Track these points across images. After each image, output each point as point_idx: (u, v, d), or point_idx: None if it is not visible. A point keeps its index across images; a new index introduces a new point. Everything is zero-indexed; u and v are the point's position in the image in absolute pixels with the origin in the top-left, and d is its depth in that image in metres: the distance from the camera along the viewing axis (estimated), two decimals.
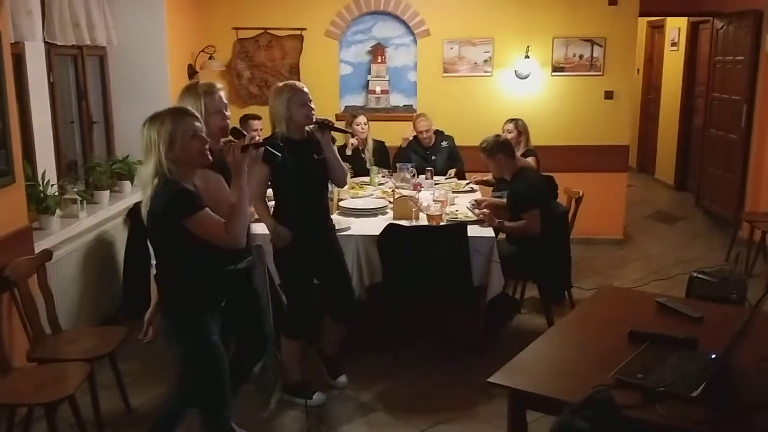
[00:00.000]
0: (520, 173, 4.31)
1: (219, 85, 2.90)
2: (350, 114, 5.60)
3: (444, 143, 5.72)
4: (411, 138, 5.76)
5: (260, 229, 3.58)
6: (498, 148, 4.31)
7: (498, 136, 4.51)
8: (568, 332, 2.67)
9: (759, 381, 2.18)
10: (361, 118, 5.54)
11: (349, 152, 5.48)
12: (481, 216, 4.15)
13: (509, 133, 5.23)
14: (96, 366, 3.22)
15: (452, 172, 5.54)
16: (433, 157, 5.65)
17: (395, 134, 5.89)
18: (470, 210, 4.41)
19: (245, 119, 5.27)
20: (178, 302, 2.47)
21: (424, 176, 5.25)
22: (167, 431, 2.80)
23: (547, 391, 2.11)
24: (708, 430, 1.91)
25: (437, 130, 5.74)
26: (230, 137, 2.83)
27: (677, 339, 2.39)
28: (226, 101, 2.90)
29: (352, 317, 3.67)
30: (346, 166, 5.31)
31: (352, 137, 5.46)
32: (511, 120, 5.35)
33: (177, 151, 2.33)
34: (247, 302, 2.94)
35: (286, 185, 3.31)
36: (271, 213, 3.45)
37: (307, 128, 3.39)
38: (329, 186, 3.85)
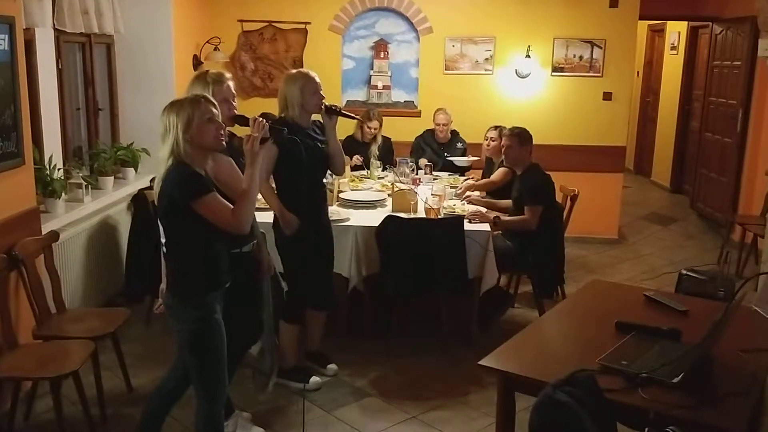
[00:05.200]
0: (532, 168, 4.40)
1: (228, 75, 2.99)
2: (365, 112, 5.64)
3: (459, 144, 5.76)
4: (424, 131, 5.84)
5: (264, 217, 3.67)
6: (528, 139, 4.39)
7: (527, 129, 4.54)
8: (557, 321, 2.77)
9: (737, 371, 2.28)
10: (374, 123, 5.56)
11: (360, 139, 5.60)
12: (474, 218, 4.18)
13: (492, 140, 5.18)
14: (99, 347, 3.30)
15: (470, 181, 5.40)
16: (446, 155, 5.70)
17: (396, 129, 5.98)
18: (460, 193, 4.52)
19: (263, 117, 5.27)
20: (185, 281, 2.55)
21: (423, 171, 5.35)
22: (165, 408, 2.86)
23: (534, 374, 2.21)
24: (686, 415, 2.00)
25: (454, 130, 5.81)
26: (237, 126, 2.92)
27: (661, 330, 2.48)
28: (234, 91, 2.98)
29: (331, 304, 3.81)
30: (357, 159, 5.48)
31: (361, 126, 5.54)
32: (496, 127, 5.26)
33: (193, 133, 2.42)
34: (249, 285, 3.03)
35: (295, 170, 3.36)
36: None
37: (313, 118, 3.48)
38: (328, 176, 3.94)
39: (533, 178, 4.33)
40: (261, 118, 2.65)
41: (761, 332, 2.63)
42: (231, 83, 2.97)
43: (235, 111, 2.97)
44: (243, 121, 2.81)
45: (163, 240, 2.56)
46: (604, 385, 2.03)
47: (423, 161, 5.45)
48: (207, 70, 2.99)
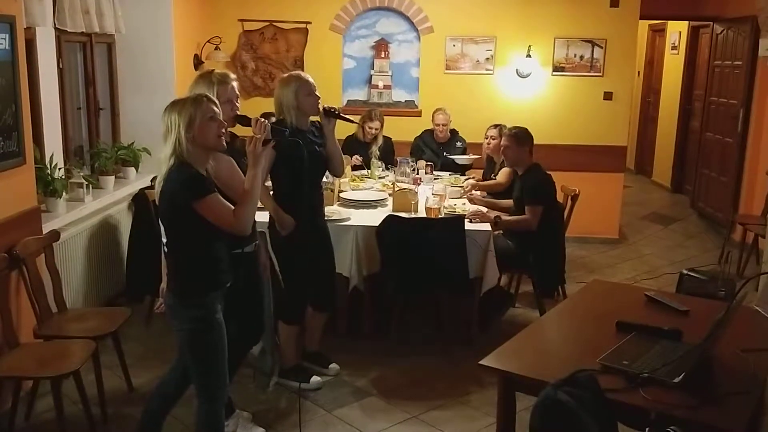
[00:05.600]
0: (532, 168, 4.39)
1: (233, 76, 2.99)
2: (367, 112, 5.66)
3: (459, 144, 5.77)
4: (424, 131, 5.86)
5: (261, 216, 3.67)
6: (527, 139, 4.37)
7: (526, 128, 4.52)
8: (558, 321, 2.76)
9: (738, 371, 2.27)
10: (375, 124, 5.58)
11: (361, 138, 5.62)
12: (475, 218, 4.18)
13: (493, 139, 5.14)
14: (99, 346, 3.30)
15: (472, 181, 5.40)
16: (445, 154, 5.71)
17: (397, 129, 5.98)
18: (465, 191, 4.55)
19: (264, 117, 5.23)
20: (186, 280, 2.55)
21: (423, 170, 5.35)
22: (165, 407, 2.86)
23: (535, 374, 2.20)
24: (687, 415, 2.00)
25: (453, 129, 5.82)
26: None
27: (662, 330, 2.48)
28: (238, 93, 2.99)
29: (332, 305, 3.81)
30: (357, 158, 5.48)
31: (362, 126, 5.56)
32: (496, 125, 5.23)
33: (195, 132, 2.42)
34: (250, 285, 3.03)
35: (296, 172, 3.32)
36: None
37: (311, 119, 3.47)
38: (328, 177, 3.93)
39: (534, 178, 4.33)
40: (263, 119, 2.64)
41: (762, 332, 2.62)
42: (235, 84, 2.97)
43: (238, 111, 2.97)
44: (245, 121, 2.81)
45: (164, 240, 2.56)
46: (605, 385, 2.02)
47: (422, 163, 5.44)
48: (212, 70, 2.99)
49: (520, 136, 4.36)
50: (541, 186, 4.30)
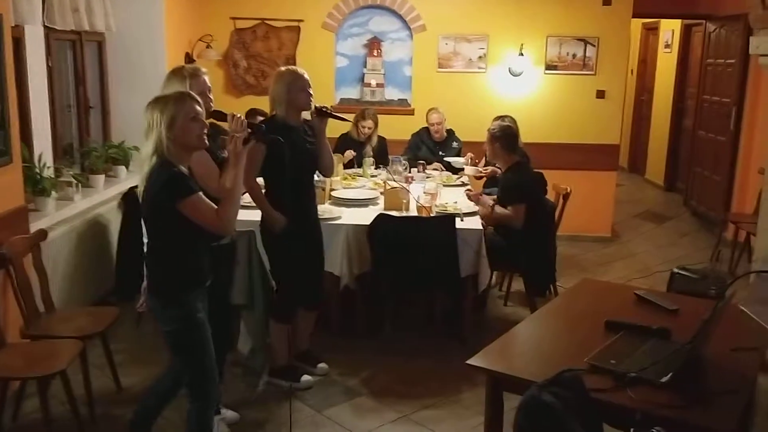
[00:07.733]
0: (513, 167, 4.37)
1: (204, 69, 3.02)
2: (360, 112, 5.65)
3: (455, 144, 5.76)
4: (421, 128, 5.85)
5: (251, 215, 3.65)
6: (497, 138, 4.33)
7: (509, 126, 4.51)
8: (547, 320, 2.75)
9: (728, 370, 2.27)
10: (369, 122, 5.57)
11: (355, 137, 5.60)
12: (475, 198, 4.19)
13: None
14: (88, 346, 3.28)
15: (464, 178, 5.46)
16: (441, 153, 5.71)
17: (389, 127, 5.96)
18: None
19: (252, 113, 5.26)
20: (166, 280, 2.54)
21: (416, 169, 5.33)
22: (158, 408, 2.86)
23: (522, 374, 2.19)
24: (674, 415, 1.99)
25: (450, 129, 5.81)
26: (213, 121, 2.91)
27: (651, 329, 2.47)
28: (209, 84, 3.00)
29: (320, 303, 3.80)
30: (350, 153, 5.47)
31: (356, 125, 5.55)
32: (498, 117, 5.29)
33: (176, 132, 2.40)
34: (222, 279, 3.01)
35: (278, 170, 3.33)
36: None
37: (303, 117, 3.46)
38: (318, 176, 3.92)
39: (511, 179, 4.31)
40: (238, 114, 2.63)
41: (751, 331, 2.62)
42: (206, 77, 2.99)
43: (212, 103, 2.96)
44: (220, 116, 2.80)
45: (146, 240, 2.54)
46: (592, 384, 2.02)
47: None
48: (183, 66, 3.03)
49: (491, 135, 4.35)
50: (519, 186, 4.26)
